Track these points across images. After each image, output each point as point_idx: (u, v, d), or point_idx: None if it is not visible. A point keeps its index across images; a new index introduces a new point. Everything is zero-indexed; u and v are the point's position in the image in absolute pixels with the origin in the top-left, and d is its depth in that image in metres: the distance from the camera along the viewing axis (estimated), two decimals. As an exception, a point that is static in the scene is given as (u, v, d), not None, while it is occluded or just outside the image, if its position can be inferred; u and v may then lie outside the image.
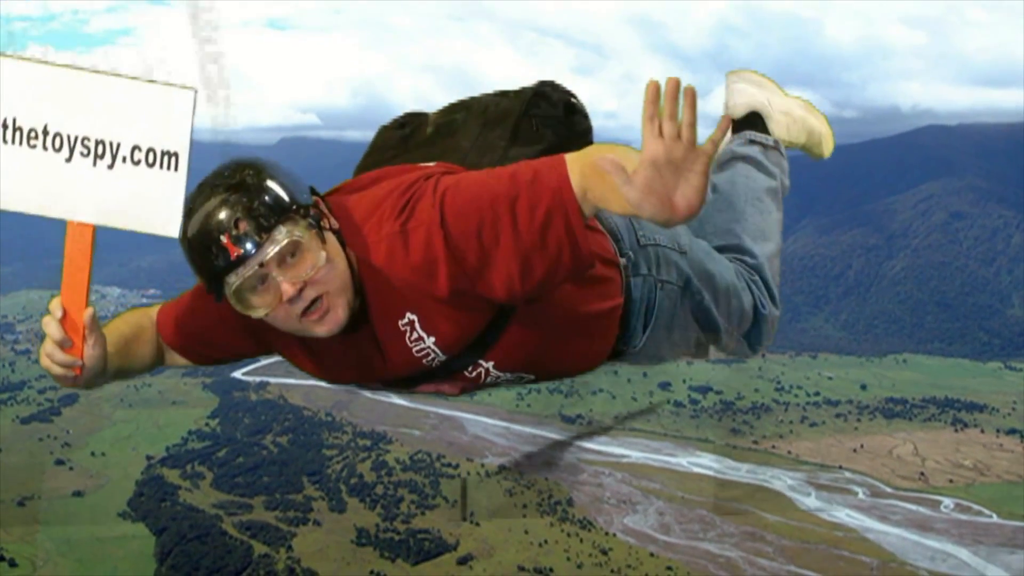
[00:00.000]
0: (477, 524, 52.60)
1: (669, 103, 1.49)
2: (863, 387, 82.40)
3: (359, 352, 1.98)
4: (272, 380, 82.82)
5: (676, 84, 1.48)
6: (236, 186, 1.81)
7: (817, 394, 79.14)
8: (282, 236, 1.77)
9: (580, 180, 1.73)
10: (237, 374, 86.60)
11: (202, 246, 1.81)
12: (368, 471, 59.49)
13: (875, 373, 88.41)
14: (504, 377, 2.11)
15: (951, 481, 61.51)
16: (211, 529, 50.79)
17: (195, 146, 1.82)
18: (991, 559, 51.21)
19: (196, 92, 1.72)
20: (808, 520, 55.72)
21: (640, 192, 1.53)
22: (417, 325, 1.90)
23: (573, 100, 2.25)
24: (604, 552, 49.91)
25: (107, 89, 1.71)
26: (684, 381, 79.80)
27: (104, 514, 52.86)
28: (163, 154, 1.77)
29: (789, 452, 66.58)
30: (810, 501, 58.61)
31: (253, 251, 1.77)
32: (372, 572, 47.29)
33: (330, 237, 1.86)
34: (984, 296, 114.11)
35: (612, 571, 48.15)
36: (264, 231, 1.76)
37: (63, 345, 1.89)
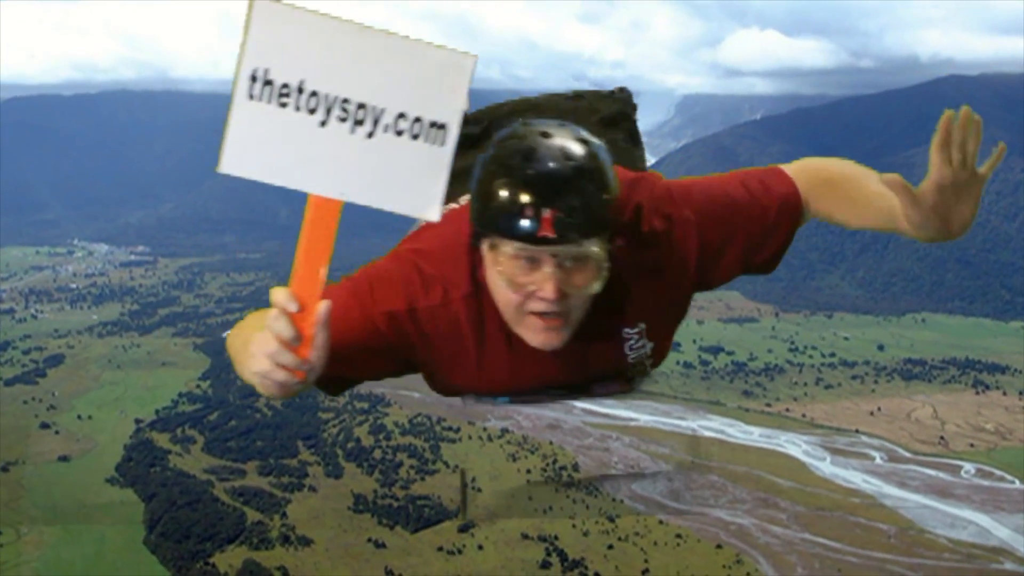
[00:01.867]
0: (479, 490, 52.19)
1: (960, 132, 1.60)
2: (880, 348, 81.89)
3: (540, 360, 1.89)
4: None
5: (967, 115, 1.60)
6: (591, 173, 1.65)
7: (833, 355, 78.80)
8: (592, 249, 1.66)
9: (806, 191, 1.89)
10: (228, 333, 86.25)
11: (521, 199, 1.62)
12: (366, 435, 59.02)
13: (893, 333, 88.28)
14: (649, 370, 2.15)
15: (972, 445, 61.06)
16: (202, 495, 50.41)
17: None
18: (1014, 527, 50.53)
19: (476, 59, 1.55)
20: (823, 486, 55.20)
21: (925, 214, 1.71)
22: (644, 333, 1.94)
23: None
24: (611, 519, 49.33)
25: (377, 47, 1.51)
26: (694, 341, 79.20)
27: (91, 480, 52.52)
28: (431, 125, 1.55)
29: (804, 415, 66.43)
30: (825, 466, 58.15)
31: (559, 243, 1.63)
32: (370, 540, 46.76)
33: None
34: (1007, 253, 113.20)
35: (619, 539, 47.54)
36: (584, 236, 1.64)
37: (291, 345, 1.54)
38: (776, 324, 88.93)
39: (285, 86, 1.47)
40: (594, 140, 1.69)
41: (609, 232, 1.67)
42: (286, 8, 1.47)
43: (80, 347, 77.49)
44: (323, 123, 1.50)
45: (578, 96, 2.39)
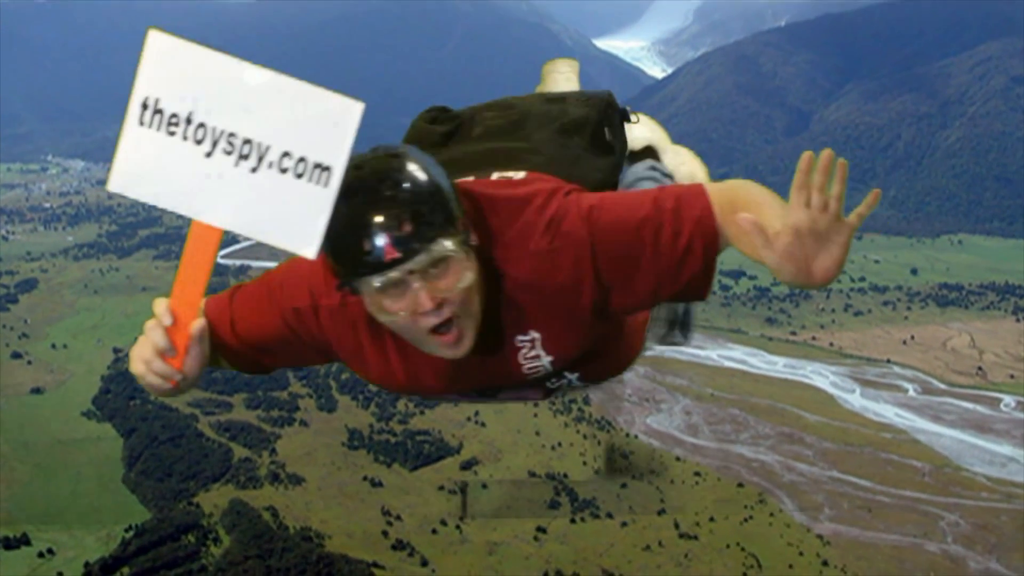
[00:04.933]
0: (483, 425, 51.18)
1: (820, 175, 1.64)
2: (914, 272, 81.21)
3: (452, 363, 1.99)
4: (254, 264, 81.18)
5: (830, 157, 1.66)
6: (405, 181, 1.75)
7: (863, 279, 77.65)
8: (440, 249, 1.75)
9: (720, 215, 1.86)
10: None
11: (355, 237, 1.74)
12: (361, 365, 58.58)
13: (927, 256, 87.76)
14: (578, 385, 2.26)
15: (1012, 376, 60.32)
16: (186, 430, 49.56)
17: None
18: (1058, 464, 49.60)
19: (364, 107, 1.74)
20: (852, 420, 54.39)
21: (780, 257, 1.70)
22: (539, 344, 1.99)
23: (628, 110, 2.54)
24: (625, 456, 48.44)
25: (267, 86, 1.71)
26: (714, 265, 78.86)
27: (66, 413, 51.86)
28: (315, 167, 1.71)
29: (831, 344, 65.95)
30: (855, 399, 57.43)
31: (409, 257, 1.73)
32: (365, 478, 45.91)
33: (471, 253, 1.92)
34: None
35: (633, 477, 46.70)
36: (426, 240, 1.73)
37: (165, 355, 1.83)
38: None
39: (174, 116, 1.66)
40: (403, 149, 1.78)
41: (454, 225, 1.74)
42: (179, 42, 1.66)
43: (54, 271, 76.43)
44: (209, 154, 1.67)
45: (560, 99, 2.43)
